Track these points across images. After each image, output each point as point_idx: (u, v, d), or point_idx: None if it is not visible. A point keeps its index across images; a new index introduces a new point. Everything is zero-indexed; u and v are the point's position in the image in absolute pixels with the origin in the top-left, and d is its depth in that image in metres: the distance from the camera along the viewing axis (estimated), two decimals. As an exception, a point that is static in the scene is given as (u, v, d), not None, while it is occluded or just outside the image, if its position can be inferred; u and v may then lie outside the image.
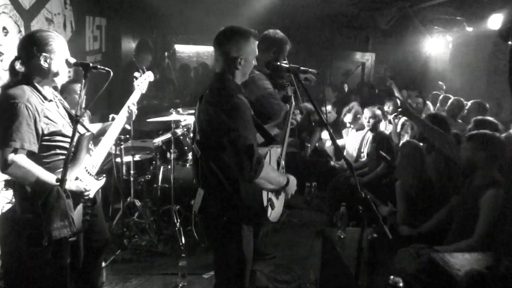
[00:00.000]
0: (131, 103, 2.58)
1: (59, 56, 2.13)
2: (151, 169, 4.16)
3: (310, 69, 2.41)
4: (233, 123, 1.89)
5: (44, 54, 2.08)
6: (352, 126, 5.11)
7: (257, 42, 2.09)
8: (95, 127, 2.61)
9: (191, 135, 4.32)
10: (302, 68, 2.23)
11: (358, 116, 4.97)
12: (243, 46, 2.01)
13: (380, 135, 4.57)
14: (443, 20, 6.74)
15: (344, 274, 2.66)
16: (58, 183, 1.80)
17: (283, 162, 2.44)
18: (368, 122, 4.63)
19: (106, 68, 2.16)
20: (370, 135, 4.70)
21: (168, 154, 4.18)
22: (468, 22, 6.45)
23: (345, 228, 3.02)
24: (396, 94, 6.15)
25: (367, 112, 4.66)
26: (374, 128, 4.61)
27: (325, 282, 3.09)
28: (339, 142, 5.37)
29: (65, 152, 2.07)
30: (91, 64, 2.07)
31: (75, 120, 1.94)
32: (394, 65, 9.14)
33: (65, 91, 3.59)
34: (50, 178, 1.99)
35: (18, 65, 2.11)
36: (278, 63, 2.30)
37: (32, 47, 2.08)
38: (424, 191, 3.16)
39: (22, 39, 2.22)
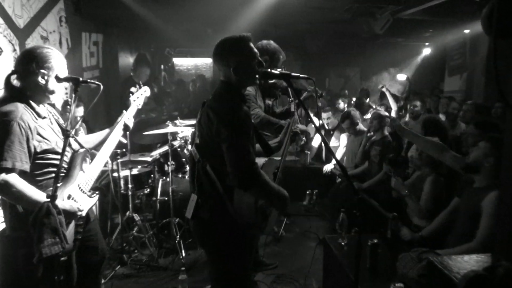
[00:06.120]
0: (127, 118, 2.56)
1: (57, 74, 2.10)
2: (149, 182, 4.13)
3: (302, 75, 2.38)
4: (232, 131, 1.91)
5: (42, 71, 2.05)
6: (350, 131, 5.07)
7: (252, 45, 2.11)
8: (91, 138, 2.57)
9: (189, 146, 4.32)
10: (293, 74, 2.22)
11: (356, 121, 4.93)
12: (239, 53, 2.05)
13: (385, 139, 4.47)
14: (437, 22, 6.76)
15: (346, 282, 2.62)
16: (49, 199, 1.77)
17: (280, 175, 2.38)
18: (371, 123, 4.55)
19: (96, 82, 2.16)
20: (373, 138, 4.61)
21: (166, 167, 4.17)
22: (463, 24, 6.46)
23: (346, 234, 2.98)
24: (389, 98, 6.16)
25: (373, 114, 4.59)
26: (377, 130, 4.53)
27: (328, 291, 3.04)
28: (339, 150, 5.34)
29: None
30: (81, 79, 2.06)
31: (65, 136, 1.92)
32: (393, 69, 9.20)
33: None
34: (41, 197, 1.95)
35: (14, 80, 2.07)
36: (269, 70, 2.29)
37: (31, 63, 2.04)
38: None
39: (21, 53, 2.18)
